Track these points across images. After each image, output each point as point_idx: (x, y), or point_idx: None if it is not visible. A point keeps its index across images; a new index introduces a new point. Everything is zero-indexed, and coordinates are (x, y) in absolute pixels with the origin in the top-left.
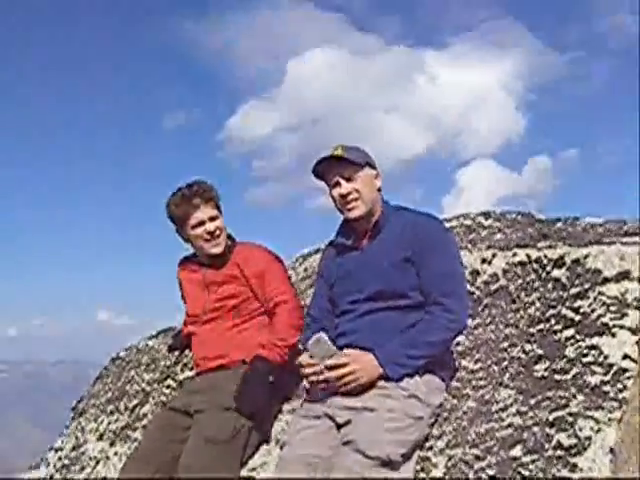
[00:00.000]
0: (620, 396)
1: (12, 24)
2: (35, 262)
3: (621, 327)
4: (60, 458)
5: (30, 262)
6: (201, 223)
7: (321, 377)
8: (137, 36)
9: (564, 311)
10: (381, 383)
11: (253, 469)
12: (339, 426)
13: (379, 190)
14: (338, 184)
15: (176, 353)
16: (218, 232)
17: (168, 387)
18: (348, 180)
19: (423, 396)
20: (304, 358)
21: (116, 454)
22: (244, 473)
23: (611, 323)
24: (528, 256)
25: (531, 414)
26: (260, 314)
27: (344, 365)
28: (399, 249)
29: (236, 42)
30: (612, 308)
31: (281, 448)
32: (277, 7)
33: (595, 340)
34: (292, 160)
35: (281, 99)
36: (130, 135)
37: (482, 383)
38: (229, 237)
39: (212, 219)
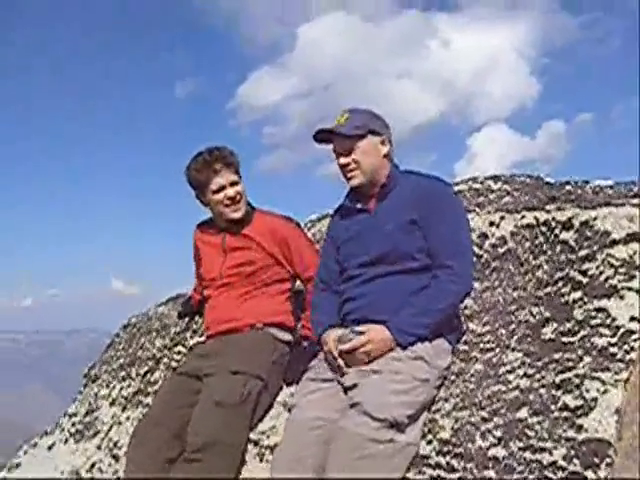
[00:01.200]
0: (627, 357)
1: None
2: (49, 233)
3: (629, 289)
4: (74, 424)
5: (44, 233)
6: (222, 188)
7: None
8: (148, 3)
9: (572, 273)
10: None
11: (262, 433)
12: (346, 389)
13: (385, 156)
14: (338, 154)
15: (186, 319)
16: (239, 197)
17: (178, 353)
18: (347, 151)
19: (429, 358)
20: (331, 343)
21: (128, 419)
22: (253, 437)
23: (619, 285)
24: (536, 219)
25: (538, 376)
26: (275, 282)
27: (359, 346)
28: (405, 211)
29: (246, 8)
30: (620, 270)
31: (289, 411)
32: None
33: (603, 302)
34: (303, 126)
35: (292, 65)
36: (143, 103)
37: (490, 346)
38: (248, 204)
39: (233, 184)
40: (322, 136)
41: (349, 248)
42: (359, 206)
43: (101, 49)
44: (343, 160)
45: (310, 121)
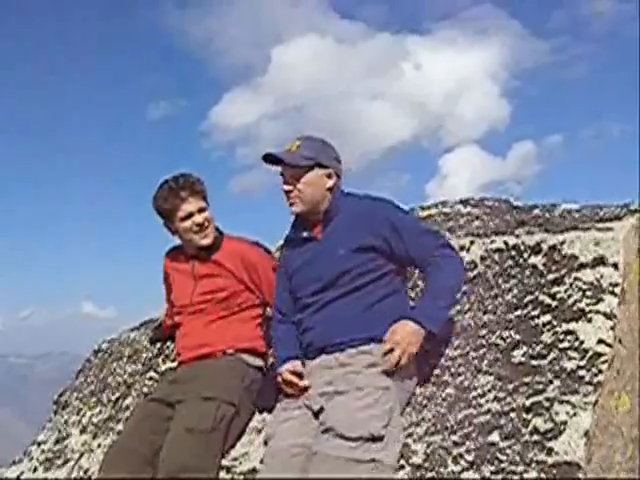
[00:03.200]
0: (595, 380)
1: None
2: (19, 255)
3: (596, 312)
4: (43, 451)
5: (14, 255)
6: (189, 215)
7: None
8: (121, 25)
9: (541, 297)
10: (342, 357)
11: (235, 459)
12: (315, 414)
13: (330, 189)
14: (284, 180)
15: (158, 345)
16: (207, 224)
17: (150, 379)
18: (293, 179)
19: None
20: (287, 375)
21: (99, 446)
22: (225, 463)
23: (587, 308)
24: (506, 243)
25: (509, 400)
26: (246, 308)
27: (391, 349)
28: (356, 236)
29: (220, 30)
30: (588, 293)
31: (265, 443)
32: None
33: (571, 325)
34: (277, 147)
35: (265, 87)
36: (115, 126)
37: (461, 370)
38: (217, 230)
39: (200, 211)
40: (271, 159)
41: (300, 277)
42: (305, 235)
43: (73, 72)
44: (286, 187)
45: (284, 141)
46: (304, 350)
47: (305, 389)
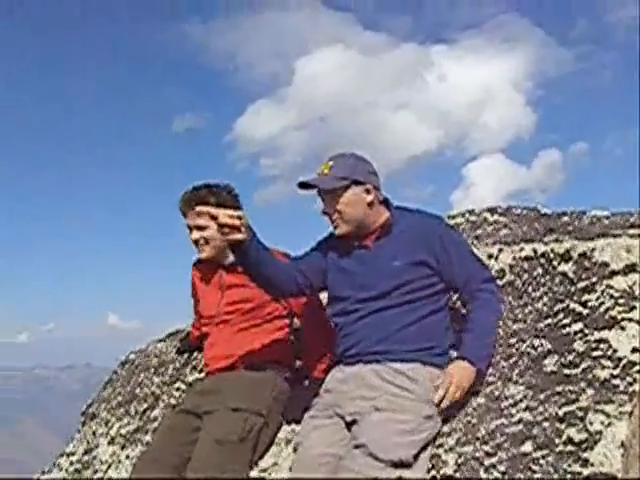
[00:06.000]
0: (630, 389)
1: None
2: (45, 268)
3: (630, 320)
4: (72, 463)
5: (40, 268)
6: (190, 229)
7: None
8: (145, 40)
9: (572, 305)
10: (386, 374)
11: (264, 470)
12: (348, 424)
13: (371, 204)
14: (322, 203)
15: (185, 355)
16: (202, 242)
17: (178, 390)
18: (330, 201)
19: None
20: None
21: (127, 457)
22: (255, 474)
23: (619, 316)
24: (535, 251)
25: (541, 409)
26: (274, 318)
27: (448, 388)
28: (412, 251)
29: (244, 43)
30: (620, 301)
31: (294, 450)
32: (284, 8)
33: (604, 334)
34: (303, 158)
35: (290, 98)
36: (141, 140)
37: (491, 379)
38: None
39: (199, 228)
40: (307, 185)
41: (343, 279)
42: (356, 243)
43: (97, 86)
44: (326, 210)
45: (308, 152)
46: (340, 355)
47: None
